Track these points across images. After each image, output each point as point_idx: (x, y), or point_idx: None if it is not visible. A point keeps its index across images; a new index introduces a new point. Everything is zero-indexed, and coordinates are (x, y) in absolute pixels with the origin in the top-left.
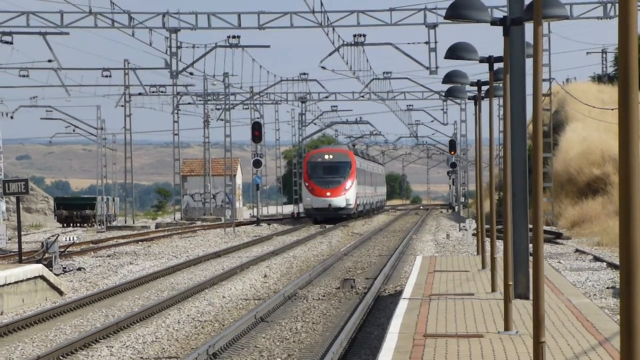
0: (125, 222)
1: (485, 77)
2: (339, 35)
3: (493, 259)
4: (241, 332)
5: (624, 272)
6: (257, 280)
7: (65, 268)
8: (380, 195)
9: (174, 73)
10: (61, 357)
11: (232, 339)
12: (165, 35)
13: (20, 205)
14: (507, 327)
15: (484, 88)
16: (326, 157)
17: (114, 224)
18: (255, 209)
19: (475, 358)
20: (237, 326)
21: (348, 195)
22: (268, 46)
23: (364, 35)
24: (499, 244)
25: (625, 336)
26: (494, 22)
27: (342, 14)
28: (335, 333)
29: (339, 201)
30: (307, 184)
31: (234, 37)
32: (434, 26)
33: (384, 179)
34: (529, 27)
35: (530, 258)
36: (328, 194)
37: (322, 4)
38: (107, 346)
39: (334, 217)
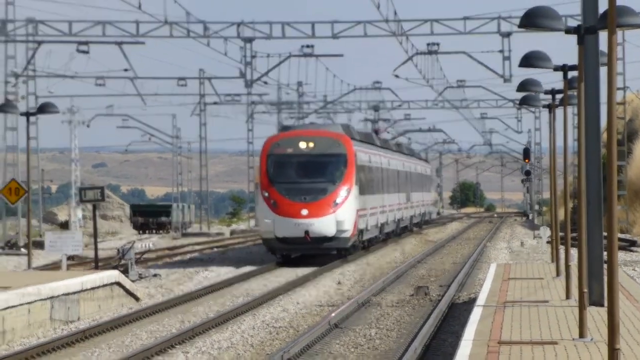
0: (201, 229)
1: (560, 85)
2: (412, 44)
3: (567, 267)
4: (315, 338)
5: None
6: (331, 287)
7: (141, 274)
8: (418, 205)
9: (249, 82)
10: None
11: (306, 345)
12: (240, 44)
13: (97, 213)
14: (581, 334)
15: (558, 96)
16: (302, 145)
17: (189, 230)
18: None
19: None
20: (311, 332)
21: (341, 213)
22: (341, 55)
23: (438, 44)
24: (574, 252)
25: None
26: (568, 31)
27: (415, 22)
28: (409, 340)
29: (323, 225)
30: (266, 194)
31: (307, 46)
32: (507, 35)
33: (429, 181)
34: (603, 35)
35: (605, 265)
36: (304, 212)
37: (395, 13)
38: (182, 352)
39: (316, 252)
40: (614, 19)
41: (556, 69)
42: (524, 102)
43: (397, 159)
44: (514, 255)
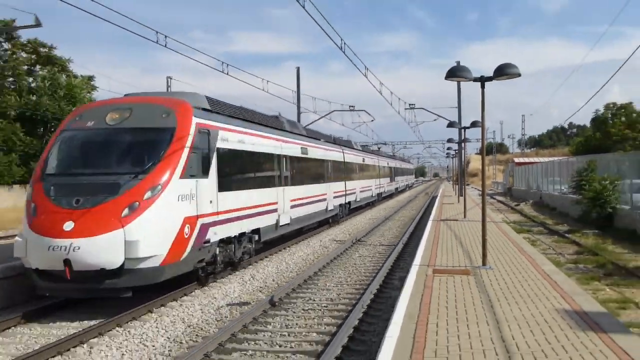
0: None
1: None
2: (426, 145)
3: (458, 190)
4: (397, 209)
5: (483, 196)
6: (398, 200)
7: None
8: (402, 182)
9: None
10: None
11: (395, 211)
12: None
13: None
14: (464, 217)
15: (458, 146)
16: (110, 117)
17: None
18: None
19: (449, 208)
20: (397, 208)
21: (137, 225)
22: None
23: (430, 145)
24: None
25: (482, 205)
26: (454, 126)
27: (427, 140)
28: (422, 205)
29: (93, 248)
30: (30, 192)
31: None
32: (450, 141)
33: (410, 171)
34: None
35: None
36: (68, 226)
37: (422, 137)
38: (350, 220)
39: (90, 295)
40: (461, 131)
41: (458, 141)
42: (449, 152)
43: (383, 160)
44: (446, 188)
